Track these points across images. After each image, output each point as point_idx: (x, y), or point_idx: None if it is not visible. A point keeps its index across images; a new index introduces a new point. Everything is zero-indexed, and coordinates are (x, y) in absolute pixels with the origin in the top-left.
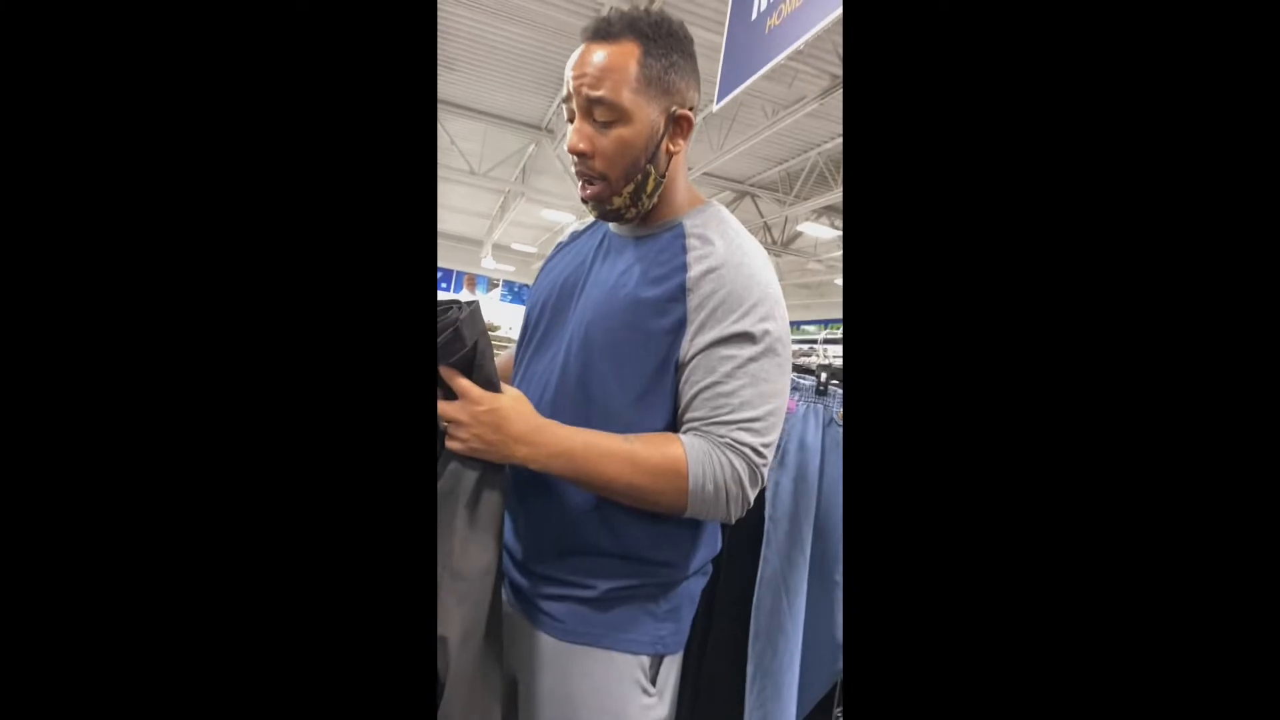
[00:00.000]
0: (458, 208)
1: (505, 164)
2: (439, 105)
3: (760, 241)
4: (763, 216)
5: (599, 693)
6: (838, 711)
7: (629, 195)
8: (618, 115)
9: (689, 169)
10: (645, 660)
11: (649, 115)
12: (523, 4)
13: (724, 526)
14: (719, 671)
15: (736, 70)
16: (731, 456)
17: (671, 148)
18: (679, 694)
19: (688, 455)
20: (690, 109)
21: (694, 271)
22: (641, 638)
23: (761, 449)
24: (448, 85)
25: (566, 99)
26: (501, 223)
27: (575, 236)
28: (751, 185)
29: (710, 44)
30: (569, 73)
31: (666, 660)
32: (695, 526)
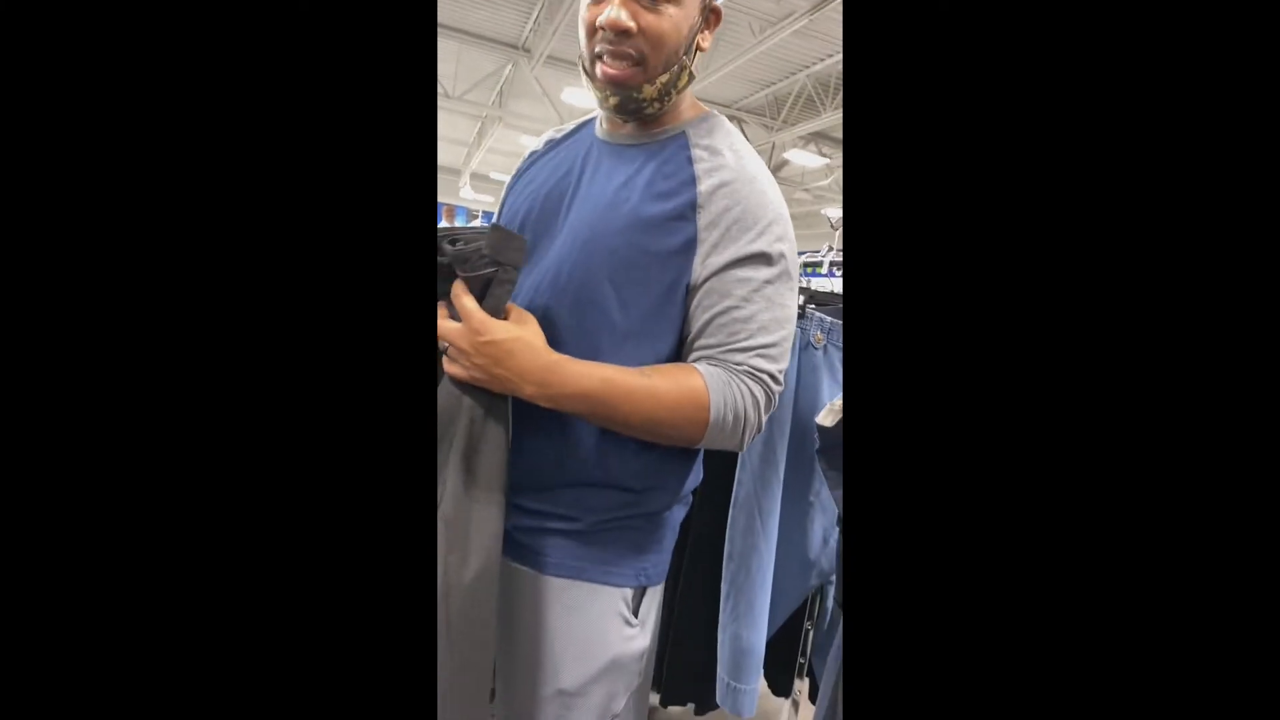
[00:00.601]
0: None
1: (481, 87)
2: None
3: None
4: (750, 142)
5: (582, 626)
6: (808, 624)
7: (661, 86)
8: None
9: None
10: (629, 592)
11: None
12: None
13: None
14: (694, 593)
15: None
16: (751, 384)
17: (703, 43)
18: None
19: (708, 386)
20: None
21: (704, 185)
22: (626, 570)
23: (777, 375)
24: None
25: None
26: (479, 150)
27: (552, 145)
28: (738, 110)
29: None
30: None
31: (649, 591)
32: (685, 456)
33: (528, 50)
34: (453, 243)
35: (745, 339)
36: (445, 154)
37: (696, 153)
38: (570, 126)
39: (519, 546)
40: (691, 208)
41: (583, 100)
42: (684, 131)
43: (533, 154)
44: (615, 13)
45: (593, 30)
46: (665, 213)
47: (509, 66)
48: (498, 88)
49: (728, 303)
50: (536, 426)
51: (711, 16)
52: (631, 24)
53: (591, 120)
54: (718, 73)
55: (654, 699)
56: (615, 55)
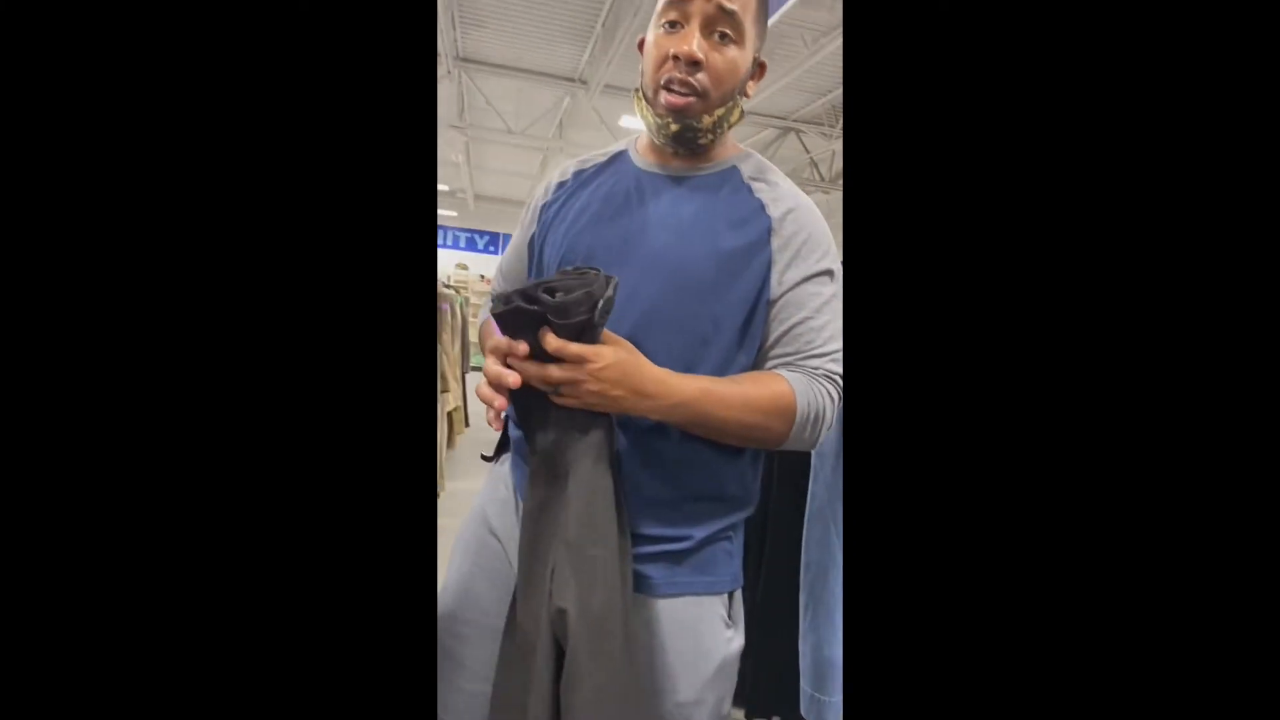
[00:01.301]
0: (497, 169)
1: (541, 121)
2: (471, 65)
3: (807, 178)
4: (808, 152)
5: (693, 638)
6: None
7: (717, 118)
8: (739, 35)
9: None
10: (725, 597)
11: (753, 46)
12: None
13: (770, 460)
14: (774, 600)
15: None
16: (828, 386)
17: (749, 90)
18: None
19: (794, 390)
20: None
21: (775, 213)
22: (724, 577)
23: (840, 378)
24: (477, 44)
25: (675, 3)
26: (542, 182)
27: (583, 176)
28: (795, 121)
29: None
30: None
31: (737, 592)
32: (758, 460)
33: (584, 81)
34: (550, 293)
35: (819, 347)
36: (509, 187)
37: (755, 185)
38: (597, 158)
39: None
40: (768, 232)
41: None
42: (734, 166)
43: (561, 185)
44: (688, 45)
45: (663, 60)
46: (745, 238)
47: (566, 99)
48: (557, 120)
49: (803, 314)
50: (645, 453)
51: (758, 69)
52: (703, 56)
53: (622, 152)
54: (774, 85)
55: (738, 713)
56: (683, 85)
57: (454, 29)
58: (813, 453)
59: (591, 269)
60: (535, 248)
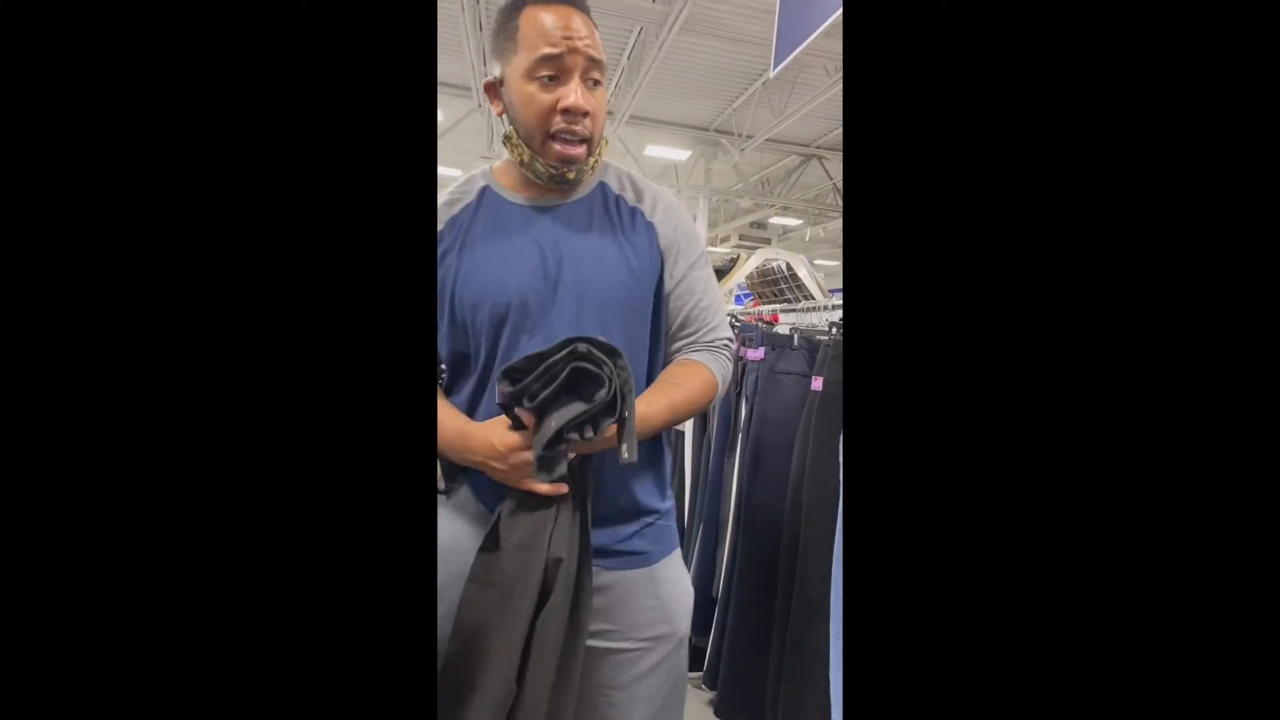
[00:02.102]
0: None
1: None
2: None
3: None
4: (831, 178)
5: (681, 580)
6: None
7: (597, 155)
8: (602, 77)
9: (751, 136)
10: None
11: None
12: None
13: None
14: (745, 606)
15: (794, 30)
16: (725, 355)
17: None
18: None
19: (712, 370)
20: None
21: (654, 217)
22: (676, 527)
23: (730, 340)
24: None
25: (551, 59)
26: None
27: (459, 225)
28: (818, 148)
29: (768, 6)
30: (555, 33)
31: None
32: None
33: (610, 113)
34: (513, 381)
35: (713, 323)
36: None
37: (624, 196)
38: (459, 199)
39: (626, 555)
40: (655, 237)
41: (666, 154)
42: (601, 182)
43: (439, 236)
44: (577, 98)
45: (548, 113)
46: (642, 250)
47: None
48: None
49: (694, 298)
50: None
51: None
52: (588, 105)
53: (484, 190)
54: (797, 114)
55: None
56: (571, 135)
57: (484, 64)
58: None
59: (551, 357)
60: (444, 296)
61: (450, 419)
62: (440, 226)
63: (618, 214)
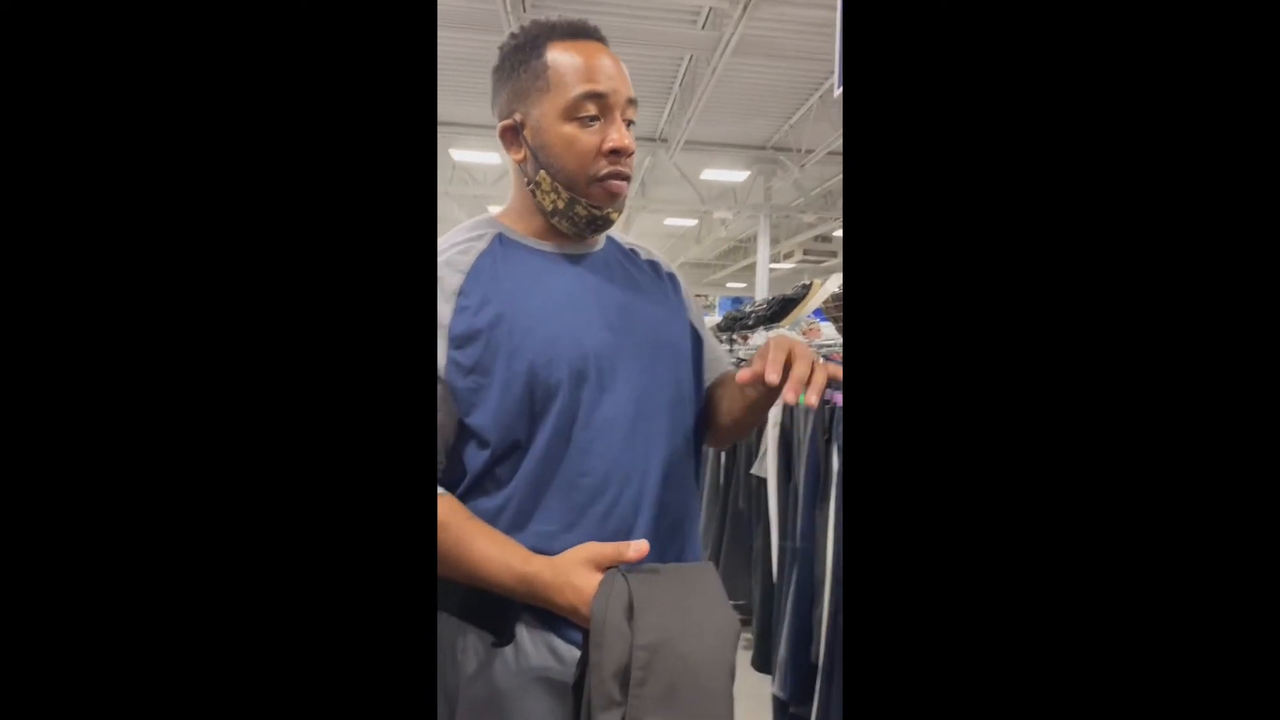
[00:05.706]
0: None
1: None
2: None
3: None
4: None
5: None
6: None
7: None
8: (635, 116)
9: (810, 150)
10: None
11: None
12: (620, 23)
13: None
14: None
15: None
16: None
17: None
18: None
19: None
20: None
21: (667, 268)
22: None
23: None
24: None
25: (595, 96)
26: (628, 236)
27: (480, 278)
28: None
29: (822, 21)
30: (596, 70)
31: None
32: None
33: (665, 140)
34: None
35: (726, 363)
36: None
37: (634, 248)
38: (468, 251)
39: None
40: (679, 286)
41: (722, 177)
42: (608, 236)
43: (462, 294)
44: (626, 139)
45: (593, 155)
46: (675, 300)
47: (648, 158)
48: (639, 178)
49: (710, 343)
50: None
51: None
52: (633, 145)
53: (497, 238)
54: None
55: None
56: (620, 177)
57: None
58: None
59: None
60: (492, 362)
61: (497, 551)
62: (459, 279)
63: (636, 266)
